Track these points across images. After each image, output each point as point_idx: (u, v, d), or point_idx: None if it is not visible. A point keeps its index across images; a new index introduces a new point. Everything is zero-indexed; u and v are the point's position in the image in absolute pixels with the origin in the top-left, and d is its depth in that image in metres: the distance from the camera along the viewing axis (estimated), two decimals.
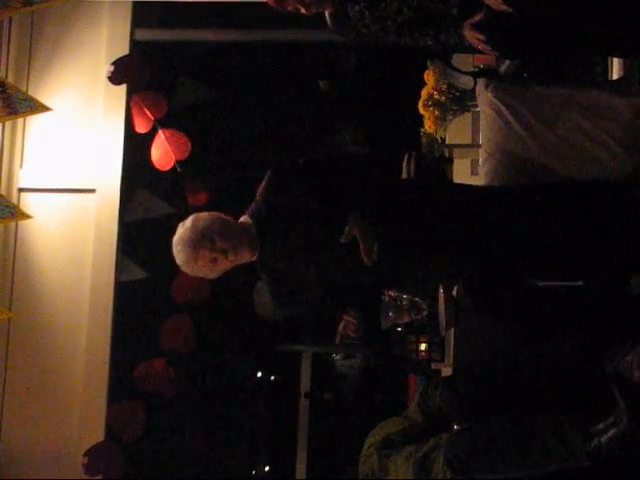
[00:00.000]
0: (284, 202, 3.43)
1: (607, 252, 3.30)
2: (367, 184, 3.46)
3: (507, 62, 4.43)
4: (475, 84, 4.28)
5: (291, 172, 3.50)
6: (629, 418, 3.15)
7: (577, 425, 3.31)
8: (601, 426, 3.23)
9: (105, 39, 6.36)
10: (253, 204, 3.51)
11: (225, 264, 3.41)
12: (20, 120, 6.21)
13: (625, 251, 3.33)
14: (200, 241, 3.35)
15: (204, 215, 3.45)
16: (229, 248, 3.36)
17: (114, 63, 6.24)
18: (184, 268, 3.44)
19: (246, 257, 3.44)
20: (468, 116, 4.99)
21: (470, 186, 3.74)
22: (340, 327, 6.35)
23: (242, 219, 3.49)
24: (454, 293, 4.32)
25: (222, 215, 3.47)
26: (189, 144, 6.29)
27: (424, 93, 4.90)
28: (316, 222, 3.35)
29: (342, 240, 3.22)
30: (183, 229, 3.41)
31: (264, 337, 7.14)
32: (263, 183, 3.51)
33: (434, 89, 4.85)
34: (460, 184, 4.19)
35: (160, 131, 6.28)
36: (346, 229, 3.24)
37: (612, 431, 3.20)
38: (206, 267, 3.40)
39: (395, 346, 5.59)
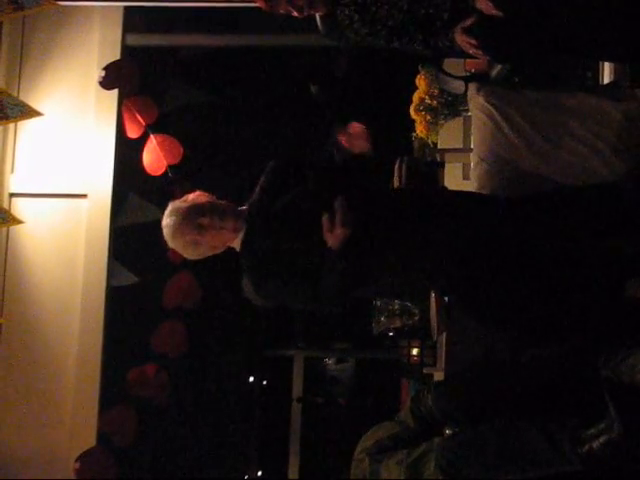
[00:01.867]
0: (279, 196, 3.44)
1: (600, 257, 3.30)
2: (357, 188, 3.47)
3: (498, 66, 4.44)
4: (466, 89, 4.28)
5: (289, 166, 3.53)
6: (621, 424, 3.15)
7: (568, 430, 3.30)
8: (592, 431, 3.23)
9: (96, 44, 6.35)
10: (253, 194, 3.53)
11: (210, 235, 3.39)
12: (11, 125, 6.20)
13: (619, 255, 3.33)
14: (188, 211, 3.44)
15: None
16: (215, 212, 3.39)
17: (105, 68, 6.22)
18: (170, 238, 3.46)
19: (230, 228, 3.41)
20: (459, 120, 5.01)
21: (460, 192, 3.74)
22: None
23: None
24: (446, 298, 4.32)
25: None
26: (180, 149, 6.28)
27: (416, 97, 4.90)
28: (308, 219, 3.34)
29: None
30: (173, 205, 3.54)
31: (256, 342, 7.15)
32: (263, 175, 3.54)
33: (426, 94, 4.86)
34: (450, 190, 4.20)
35: (151, 136, 6.27)
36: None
37: (603, 437, 3.19)
38: (192, 234, 3.40)
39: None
